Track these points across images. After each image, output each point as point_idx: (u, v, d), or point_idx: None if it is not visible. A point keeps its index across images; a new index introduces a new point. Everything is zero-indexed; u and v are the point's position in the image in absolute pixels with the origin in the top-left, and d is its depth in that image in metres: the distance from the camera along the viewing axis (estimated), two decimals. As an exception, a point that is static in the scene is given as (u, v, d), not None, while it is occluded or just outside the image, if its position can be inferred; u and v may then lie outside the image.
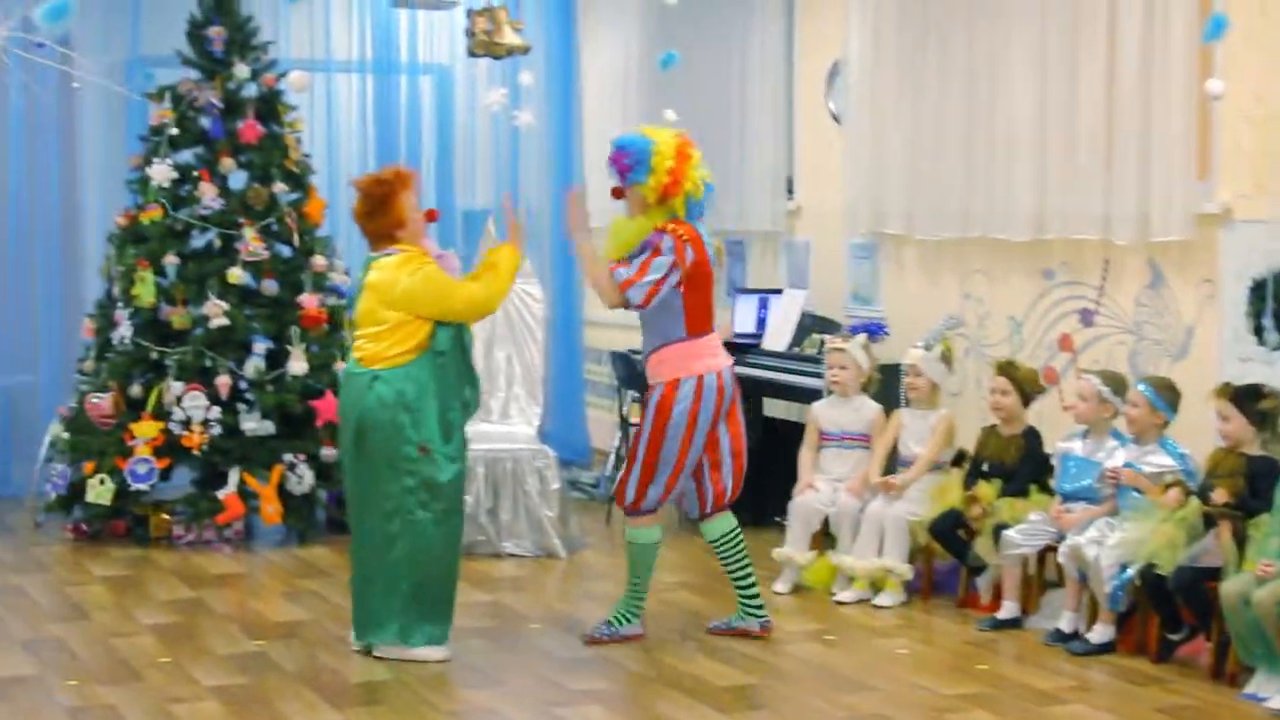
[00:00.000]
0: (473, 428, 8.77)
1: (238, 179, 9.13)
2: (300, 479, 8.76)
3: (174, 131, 9.02)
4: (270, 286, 8.98)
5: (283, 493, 8.74)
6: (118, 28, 10.12)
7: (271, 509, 8.71)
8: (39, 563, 8.52)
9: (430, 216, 6.97)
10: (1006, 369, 7.56)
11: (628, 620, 7.03)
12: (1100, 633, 6.78)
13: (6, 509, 9.76)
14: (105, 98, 9.87)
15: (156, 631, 7.05)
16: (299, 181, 9.20)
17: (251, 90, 9.18)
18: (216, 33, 9.08)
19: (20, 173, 10.15)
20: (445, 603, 6.76)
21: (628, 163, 6.75)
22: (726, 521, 7.05)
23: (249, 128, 9.05)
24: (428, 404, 6.62)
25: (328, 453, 8.78)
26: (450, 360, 6.71)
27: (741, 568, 7.07)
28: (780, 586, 7.86)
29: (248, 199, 9.02)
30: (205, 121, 9.08)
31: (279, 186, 9.07)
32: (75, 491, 8.90)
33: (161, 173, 8.95)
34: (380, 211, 6.71)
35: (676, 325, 6.86)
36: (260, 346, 8.87)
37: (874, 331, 8.29)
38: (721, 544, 7.05)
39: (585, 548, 8.76)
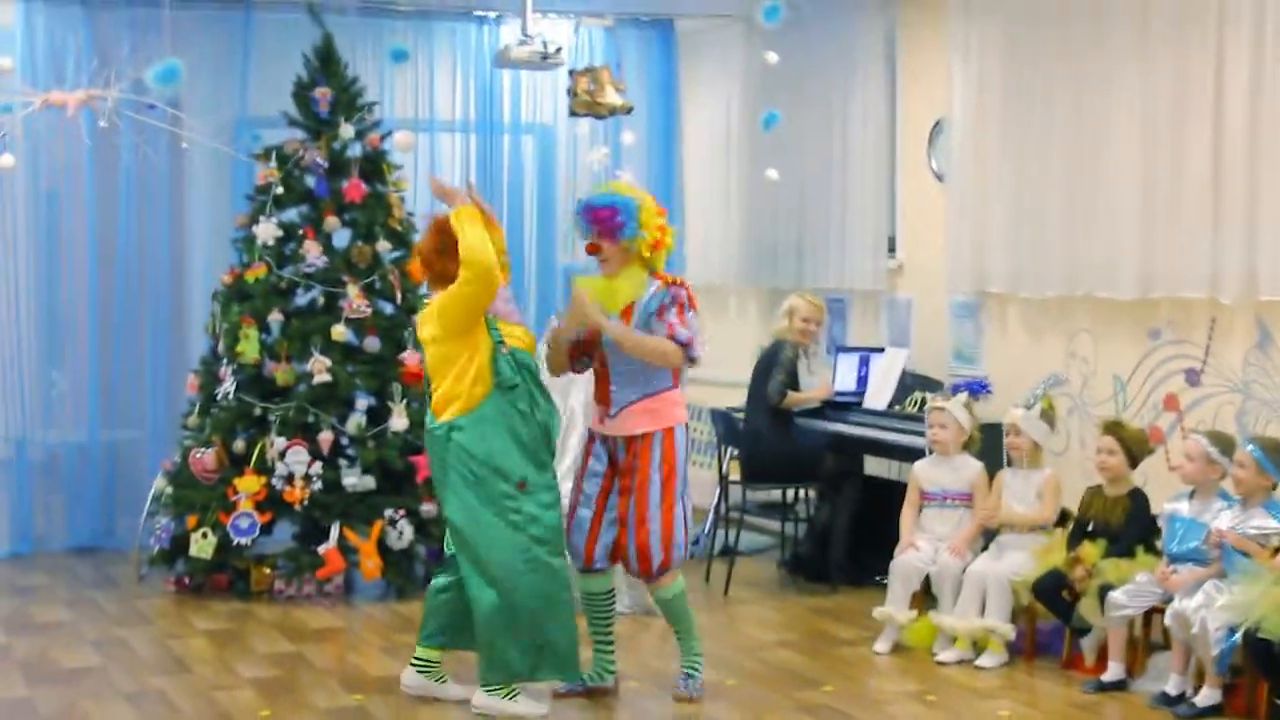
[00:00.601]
0: (568, 484, 8.82)
1: (341, 237, 9.22)
2: (400, 534, 8.78)
3: (279, 190, 9.12)
4: (372, 343, 9.04)
5: (382, 548, 8.77)
6: (226, 89, 10.26)
7: (371, 564, 8.74)
8: (142, 615, 8.59)
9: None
10: (1114, 429, 7.47)
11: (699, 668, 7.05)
12: (1207, 696, 6.66)
13: (111, 562, 9.87)
14: (213, 158, 10.00)
15: (257, 685, 7.08)
16: (402, 240, 9.27)
17: (356, 150, 9.27)
18: (322, 94, 9.19)
19: (130, 231, 10.30)
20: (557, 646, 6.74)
21: (621, 219, 6.77)
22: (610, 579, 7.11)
23: (353, 187, 9.14)
24: (509, 440, 6.60)
25: (427, 508, 8.81)
26: (522, 391, 6.65)
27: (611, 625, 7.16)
28: (880, 646, 7.79)
29: (351, 257, 9.10)
30: (310, 180, 9.18)
31: (382, 245, 9.15)
32: (178, 545, 8.97)
33: (267, 231, 9.05)
34: (453, 250, 6.58)
35: (667, 375, 6.91)
36: (362, 403, 8.93)
37: (975, 390, 8.23)
38: (609, 600, 7.08)
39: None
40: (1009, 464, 7.88)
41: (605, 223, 6.77)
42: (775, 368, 9.26)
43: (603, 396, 6.92)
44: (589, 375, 7.14)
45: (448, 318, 6.56)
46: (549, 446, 6.77)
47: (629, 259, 6.83)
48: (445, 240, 6.61)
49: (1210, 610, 6.62)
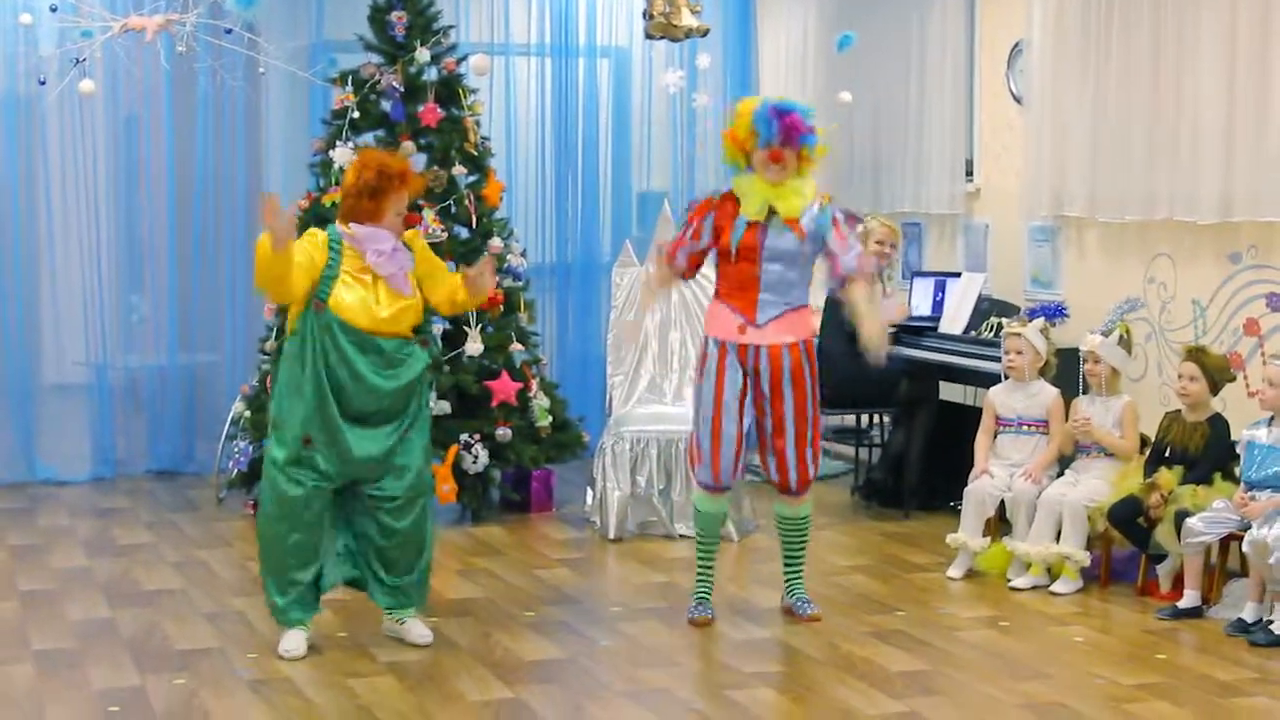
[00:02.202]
0: (645, 409, 8.86)
1: (417, 162, 9.22)
2: (475, 458, 8.83)
3: (355, 115, 9.12)
4: (448, 268, 9.04)
5: (458, 472, 8.82)
6: (302, 14, 10.29)
7: (447, 488, 8.77)
8: (221, 537, 8.69)
9: (411, 222, 6.71)
10: (1196, 355, 7.39)
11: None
12: (1285, 623, 6.63)
13: (191, 485, 10.00)
14: (289, 83, 10.02)
15: (332, 606, 7.14)
16: (478, 164, 9.27)
17: (432, 74, 9.25)
18: (398, 17, 9.16)
19: (208, 156, 10.37)
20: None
21: (809, 125, 6.74)
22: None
23: (429, 111, 9.13)
24: (286, 393, 6.48)
25: (502, 432, 8.85)
26: (306, 351, 6.41)
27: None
28: (954, 572, 7.79)
29: (428, 181, 9.11)
30: (386, 105, 9.17)
31: (458, 169, 9.15)
32: (256, 469, 9.04)
33: (343, 156, 9.05)
34: (369, 197, 6.42)
35: (807, 290, 6.96)
36: (438, 328, 8.96)
37: (1051, 315, 8.17)
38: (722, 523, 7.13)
39: (756, 530, 8.73)
40: (1085, 391, 7.82)
41: (797, 128, 6.70)
42: None
43: (745, 306, 6.84)
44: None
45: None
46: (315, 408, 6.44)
47: (799, 168, 6.80)
48: (368, 187, 6.41)
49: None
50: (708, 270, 8.79)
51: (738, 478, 7.04)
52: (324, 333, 6.37)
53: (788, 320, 6.85)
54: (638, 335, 8.86)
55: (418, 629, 6.71)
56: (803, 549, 7.15)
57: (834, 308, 9.25)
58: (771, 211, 6.76)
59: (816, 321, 7.28)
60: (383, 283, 6.45)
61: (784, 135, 6.68)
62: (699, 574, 7.12)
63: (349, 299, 6.39)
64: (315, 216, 9.13)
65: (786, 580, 7.18)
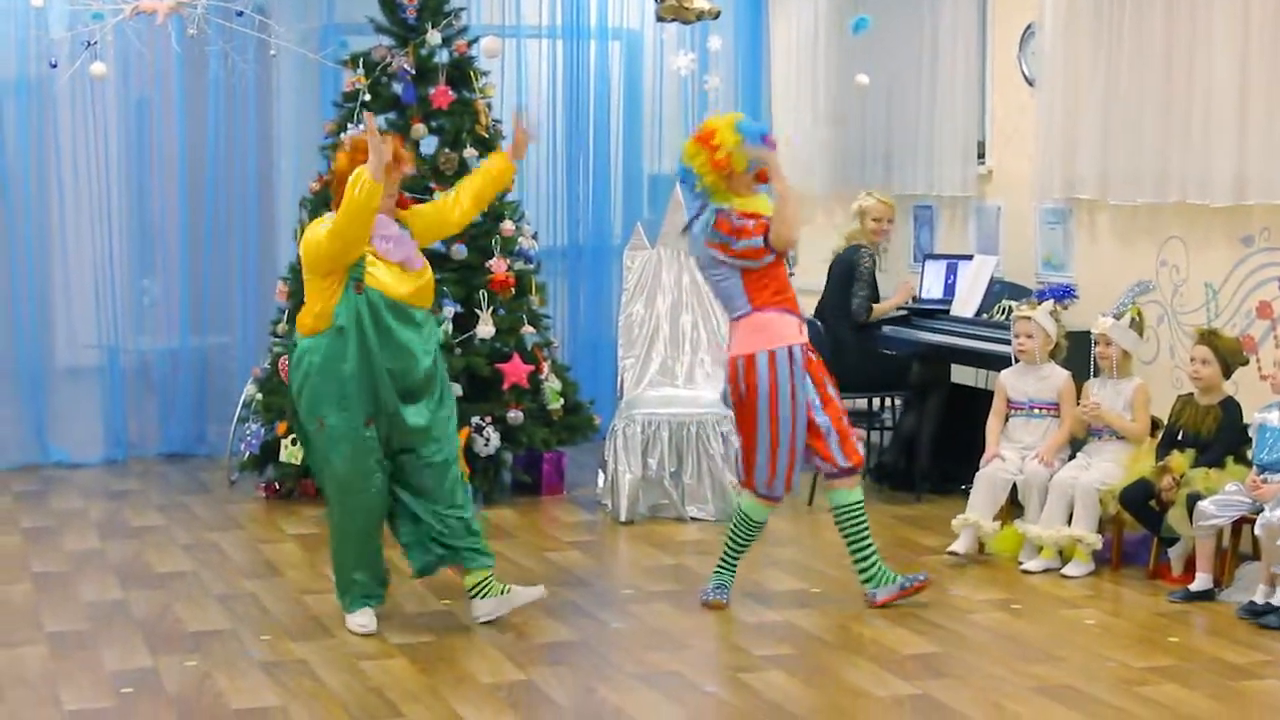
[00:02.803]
0: (657, 391, 8.86)
1: (429, 144, 9.22)
2: (487, 441, 8.83)
3: (366, 97, 9.11)
4: (459, 251, 9.05)
5: (469, 454, 8.82)
6: (314, -4, 10.30)
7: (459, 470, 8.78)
8: (233, 520, 8.71)
9: (403, 204, 6.64)
10: (1209, 338, 7.37)
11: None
12: (1298, 606, 6.62)
13: (202, 467, 10.02)
14: (300, 65, 10.02)
15: (346, 589, 7.16)
16: (489, 146, 9.24)
17: (443, 56, 9.25)
18: (409, 0, 9.16)
19: (219, 139, 10.38)
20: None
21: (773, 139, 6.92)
22: None
23: (441, 93, 9.12)
24: (326, 379, 6.47)
25: (514, 415, 8.86)
26: (350, 339, 6.42)
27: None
28: (957, 546, 7.78)
29: (438, 164, 9.10)
30: (397, 87, 9.16)
31: (469, 151, 9.13)
32: (268, 451, 9.08)
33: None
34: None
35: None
36: (449, 310, 8.95)
37: (1060, 295, 8.16)
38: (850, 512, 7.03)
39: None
40: (1096, 374, 7.81)
41: (774, 147, 6.83)
42: (855, 282, 9.24)
43: (795, 304, 6.91)
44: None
45: (308, 257, 6.48)
46: (370, 392, 6.48)
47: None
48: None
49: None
50: None
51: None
52: (369, 311, 6.42)
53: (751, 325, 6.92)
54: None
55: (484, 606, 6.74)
56: (854, 539, 7.00)
57: (837, 292, 9.27)
58: None
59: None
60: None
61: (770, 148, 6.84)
62: (724, 562, 7.09)
63: (383, 276, 6.47)
64: (326, 200, 9.13)
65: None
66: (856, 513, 6.93)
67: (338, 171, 6.56)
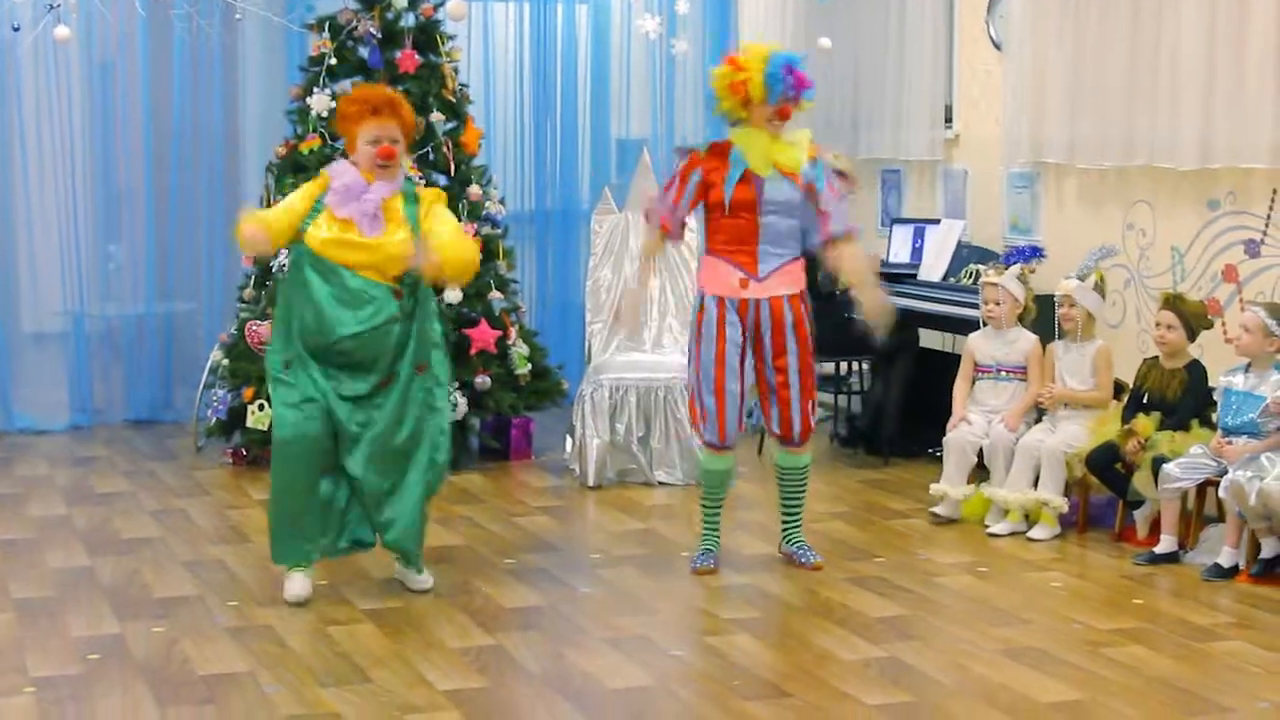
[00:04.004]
0: (624, 356, 8.86)
1: (395, 108, 9.16)
2: (454, 406, 8.81)
3: (333, 62, 9.06)
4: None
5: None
6: (279, -41, 10.23)
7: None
8: (200, 486, 8.69)
9: (384, 154, 6.36)
10: (1174, 303, 7.39)
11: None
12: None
13: (169, 434, 9.99)
14: (266, 29, 9.97)
15: (313, 554, 7.15)
16: (456, 111, 9.23)
17: (410, 20, 9.19)
18: (375, -37, 9.12)
19: (184, 103, 10.30)
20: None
21: (810, 80, 6.73)
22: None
23: (407, 57, 9.08)
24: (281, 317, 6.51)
25: (481, 380, 8.85)
26: (286, 281, 6.51)
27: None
28: (941, 510, 7.85)
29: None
30: (364, 51, 9.10)
31: (436, 116, 9.10)
32: (235, 417, 9.05)
33: (320, 103, 9.01)
34: (341, 127, 6.49)
35: (799, 243, 6.91)
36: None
37: (1028, 257, 8.17)
38: (729, 480, 7.10)
39: (737, 477, 8.74)
40: (1061, 336, 7.83)
41: (804, 83, 6.68)
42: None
43: (746, 260, 6.80)
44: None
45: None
46: (285, 337, 6.47)
47: (789, 122, 6.80)
48: (340, 110, 6.51)
49: (1264, 481, 6.60)
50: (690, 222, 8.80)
51: (740, 433, 7.02)
52: (301, 259, 6.40)
53: (787, 272, 6.83)
54: (638, 305, 8.56)
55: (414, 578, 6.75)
56: (802, 498, 7.17)
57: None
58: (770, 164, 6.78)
59: None
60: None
61: (796, 91, 6.68)
62: (705, 528, 7.11)
63: (317, 230, 6.35)
64: (292, 165, 9.11)
65: (785, 529, 7.19)
66: (705, 480, 7.05)
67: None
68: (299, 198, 6.44)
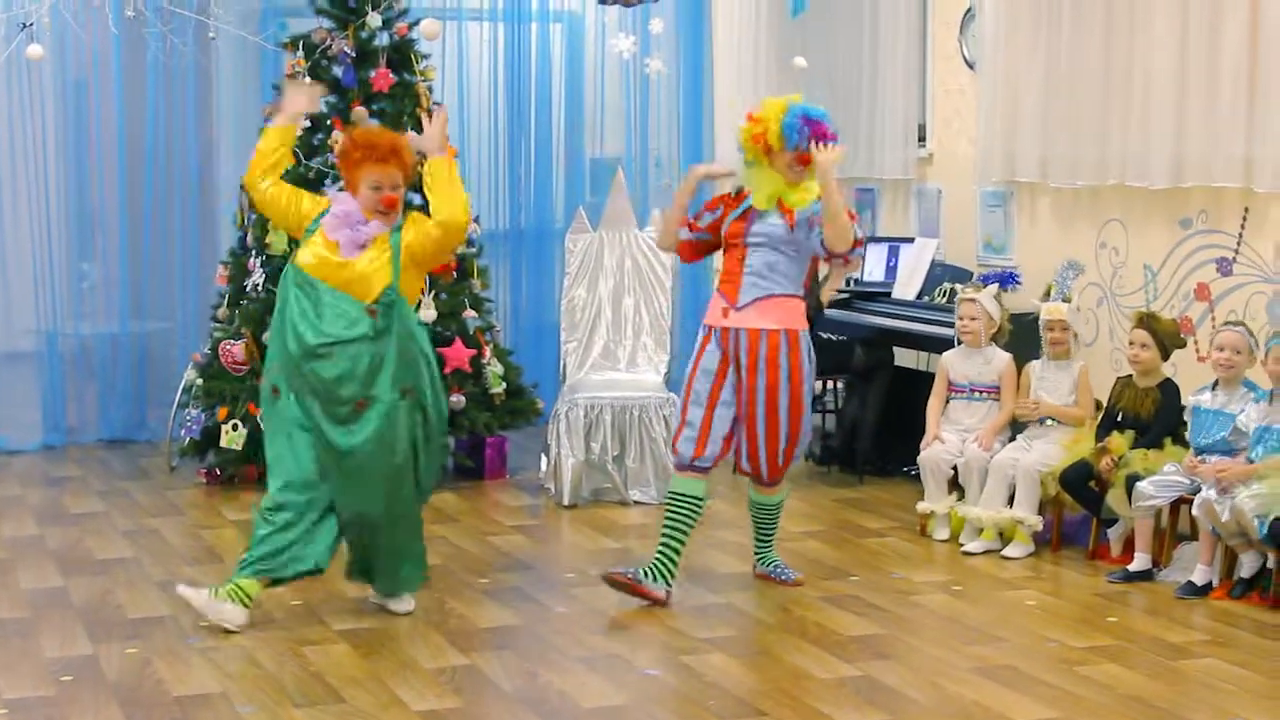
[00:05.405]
0: (599, 375, 8.86)
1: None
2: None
3: (307, 80, 9.07)
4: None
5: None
6: (252, -23, 10.23)
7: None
8: (173, 506, 8.66)
9: (388, 203, 6.42)
10: (1147, 321, 7.42)
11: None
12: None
13: (142, 453, 9.96)
14: (240, 47, 9.96)
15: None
16: (430, 130, 9.22)
17: (384, 39, 9.20)
18: (349, -19, 9.11)
19: (158, 122, 10.30)
20: None
21: (834, 133, 6.80)
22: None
23: (381, 76, 9.08)
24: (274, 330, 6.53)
25: (456, 399, 8.83)
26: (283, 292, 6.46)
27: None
28: (936, 534, 7.87)
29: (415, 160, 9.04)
30: (338, 70, 9.11)
31: (410, 135, 9.08)
32: (209, 436, 9.02)
33: (293, 121, 8.99)
34: (343, 166, 6.52)
35: (799, 282, 6.92)
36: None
37: (1005, 282, 8.20)
38: (701, 506, 6.96)
39: (712, 497, 8.73)
40: (1052, 358, 7.82)
41: (826, 136, 6.75)
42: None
43: (729, 289, 6.87)
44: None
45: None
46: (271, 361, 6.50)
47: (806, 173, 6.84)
48: (340, 152, 6.58)
49: (1237, 499, 6.61)
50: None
51: (708, 461, 6.90)
52: (288, 279, 6.41)
53: (770, 305, 6.81)
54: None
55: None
56: (773, 530, 7.21)
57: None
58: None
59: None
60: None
61: (815, 141, 6.73)
62: (660, 552, 6.90)
63: (306, 250, 6.39)
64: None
65: (758, 552, 7.22)
66: (671, 501, 6.95)
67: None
68: (309, 197, 6.53)
